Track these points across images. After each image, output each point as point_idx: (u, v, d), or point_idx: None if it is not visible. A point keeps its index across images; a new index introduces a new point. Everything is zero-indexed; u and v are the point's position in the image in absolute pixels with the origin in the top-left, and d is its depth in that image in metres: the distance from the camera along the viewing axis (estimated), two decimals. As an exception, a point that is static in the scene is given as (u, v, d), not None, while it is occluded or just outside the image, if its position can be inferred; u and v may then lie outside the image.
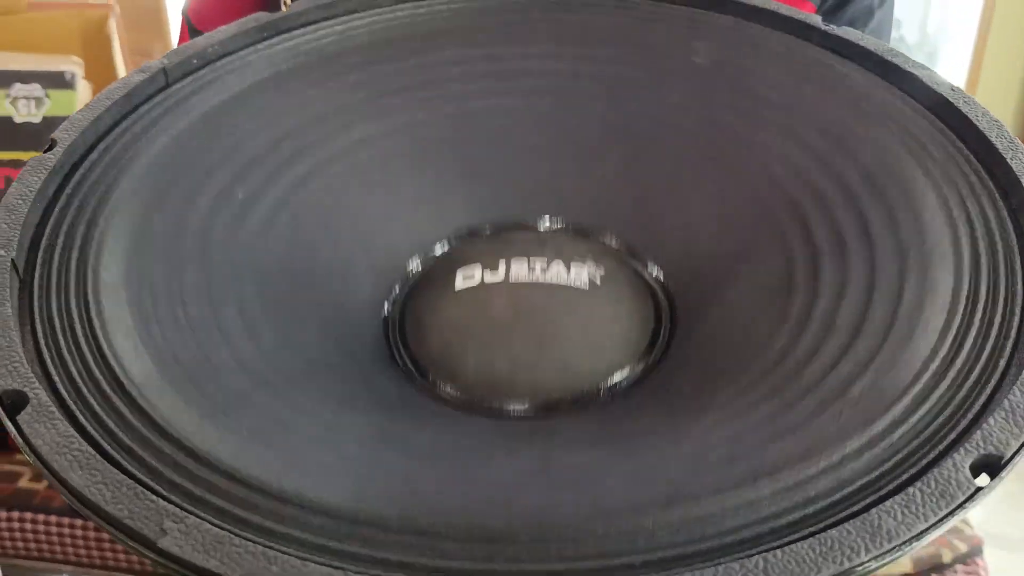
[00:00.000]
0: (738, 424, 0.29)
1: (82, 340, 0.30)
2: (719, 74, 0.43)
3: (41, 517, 0.83)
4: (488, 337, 0.37)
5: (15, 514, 0.83)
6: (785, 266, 0.36)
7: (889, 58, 0.41)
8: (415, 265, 0.41)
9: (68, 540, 0.83)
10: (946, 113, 0.38)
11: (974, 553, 1.09)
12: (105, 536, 0.77)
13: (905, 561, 1.16)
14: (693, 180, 0.41)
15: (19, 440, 0.27)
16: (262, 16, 0.46)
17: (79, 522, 0.83)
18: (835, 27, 0.43)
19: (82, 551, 0.84)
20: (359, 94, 0.44)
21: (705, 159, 0.41)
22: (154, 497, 0.25)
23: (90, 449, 0.27)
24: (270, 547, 0.24)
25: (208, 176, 0.39)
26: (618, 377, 0.36)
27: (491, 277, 0.39)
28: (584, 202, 0.42)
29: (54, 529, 0.83)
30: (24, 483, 0.87)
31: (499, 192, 0.43)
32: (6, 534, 0.84)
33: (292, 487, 0.26)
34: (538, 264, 0.39)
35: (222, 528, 0.25)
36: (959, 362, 0.29)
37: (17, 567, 0.85)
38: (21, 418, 0.27)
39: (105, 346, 0.30)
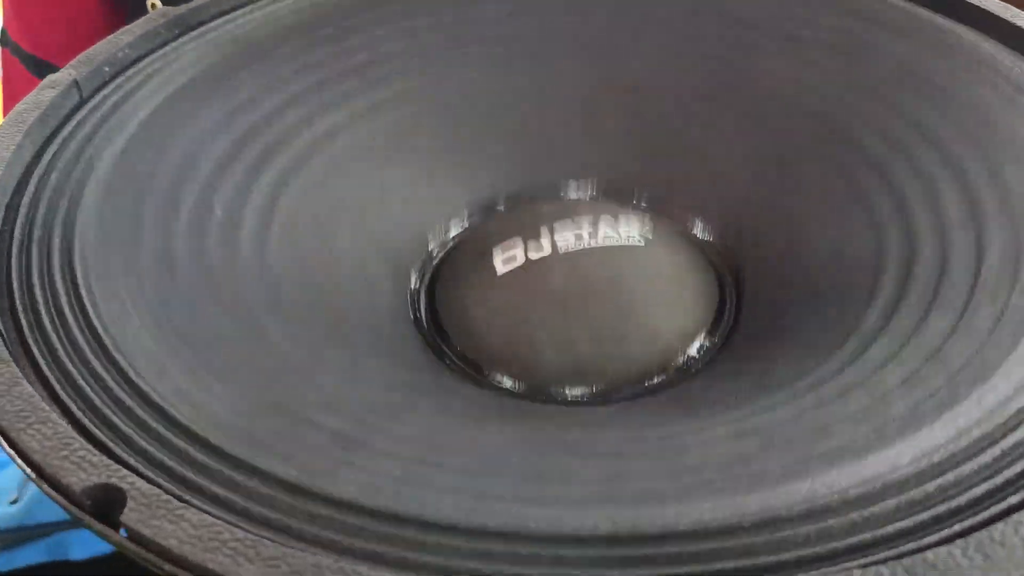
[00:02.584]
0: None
1: None
2: (701, 5, 0.40)
3: None
4: (555, 320, 0.32)
5: None
6: (851, 207, 0.33)
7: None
8: (434, 252, 0.36)
9: None
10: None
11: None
12: None
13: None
14: (708, 126, 0.38)
15: None
16: (168, 10, 0.38)
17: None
18: None
19: None
20: (310, 80, 0.37)
21: (714, 99, 0.38)
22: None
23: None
24: None
25: (172, 199, 0.31)
26: (697, 345, 0.32)
27: (536, 253, 0.34)
28: (604, 164, 0.38)
29: None
30: None
31: (502, 164, 0.38)
32: None
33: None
34: (585, 228, 0.34)
35: None
36: None
37: None
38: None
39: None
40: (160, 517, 0.20)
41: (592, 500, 0.22)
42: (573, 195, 0.37)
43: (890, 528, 0.21)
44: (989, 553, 0.19)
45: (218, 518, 0.20)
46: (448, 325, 0.34)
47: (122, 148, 0.32)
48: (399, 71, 0.39)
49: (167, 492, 0.21)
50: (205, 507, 0.21)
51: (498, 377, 0.32)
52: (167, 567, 0.20)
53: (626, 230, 0.34)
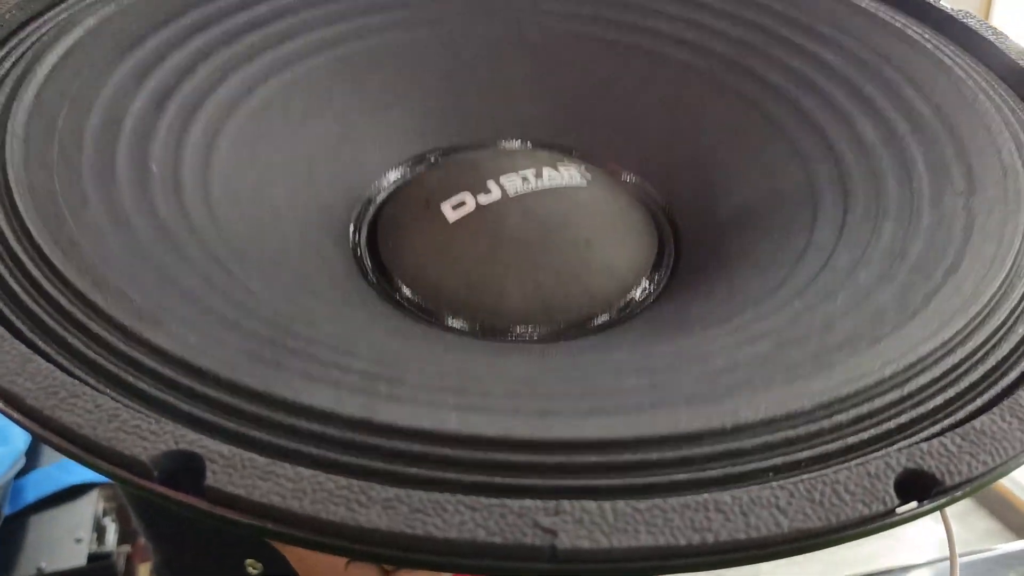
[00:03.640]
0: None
1: None
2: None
3: None
4: (514, 259, 0.32)
5: None
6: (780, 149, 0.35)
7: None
8: (374, 199, 0.35)
9: None
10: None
11: None
12: None
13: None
14: (618, 73, 0.39)
15: None
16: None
17: None
18: None
19: None
20: (215, 31, 0.35)
21: (617, 47, 0.39)
22: None
23: None
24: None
25: (103, 157, 0.28)
26: (649, 280, 0.34)
27: (486, 199, 0.33)
28: (523, 119, 0.38)
29: None
30: None
31: (426, 120, 0.37)
32: None
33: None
34: (530, 173, 0.34)
35: None
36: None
37: None
38: None
39: None
40: (250, 476, 0.19)
41: (642, 405, 0.23)
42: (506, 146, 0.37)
43: (928, 405, 0.23)
44: (1020, 416, 0.22)
45: (316, 469, 0.19)
46: (400, 275, 0.33)
47: (33, 103, 0.28)
48: (303, 27, 0.37)
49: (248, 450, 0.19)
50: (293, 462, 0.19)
51: (452, 321, 0.32)
52: (271, 527, 0.18)
53: (567, 172, 0.35)
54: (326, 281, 0.31)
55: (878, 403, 0.23)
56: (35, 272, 0.23)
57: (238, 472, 0.19)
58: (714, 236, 0.35)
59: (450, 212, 0.33)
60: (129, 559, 1.00)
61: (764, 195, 0.34)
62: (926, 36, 0.36)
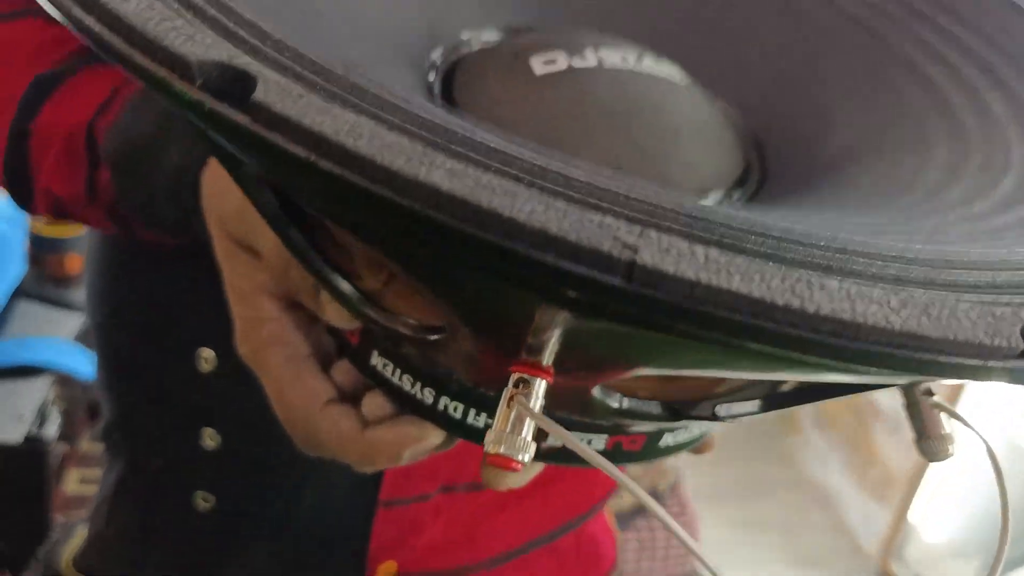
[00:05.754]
0: None
1: None
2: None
3: None
4: (596, 126, 0.30)
5: None
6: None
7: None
8: (459, 47, 0.32)
9: None
10: None
11: (679, 483, 1.18)
12: None
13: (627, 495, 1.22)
14: (749, 15, 0.37)
15: None
16: None
17: None
18: None
19: None
20: None
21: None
22: None
23: None
24: None
25: None
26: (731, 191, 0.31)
27: (580, 62, 0.31)
28: (638, 26, 0.36)
29: None
30: None
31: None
32: None
33: None
34: (631, 54, 0.32)
35: None
36: None
37: None
38: None
39: None
40: (304, 106, 0.16)
41: None
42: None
43: None
44: None
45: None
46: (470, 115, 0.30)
47: None
48: None
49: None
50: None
51: None
52: (318, 160, 0.16)
53: (668, 68, 0.33)
54: None
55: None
56: None
57: (291, 98, 0.16)
58: (806, 169, 0.33)
59: (539, 66, 0.31)
60: (63, 460, 0.96)
61: (868, 140, 0.32)
62: None
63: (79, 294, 1.25)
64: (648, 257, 0.15)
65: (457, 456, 0.50)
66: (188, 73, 0.16)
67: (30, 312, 1.14)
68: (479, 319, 0.23)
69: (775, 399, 0.29)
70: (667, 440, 0.32)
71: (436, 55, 0.33)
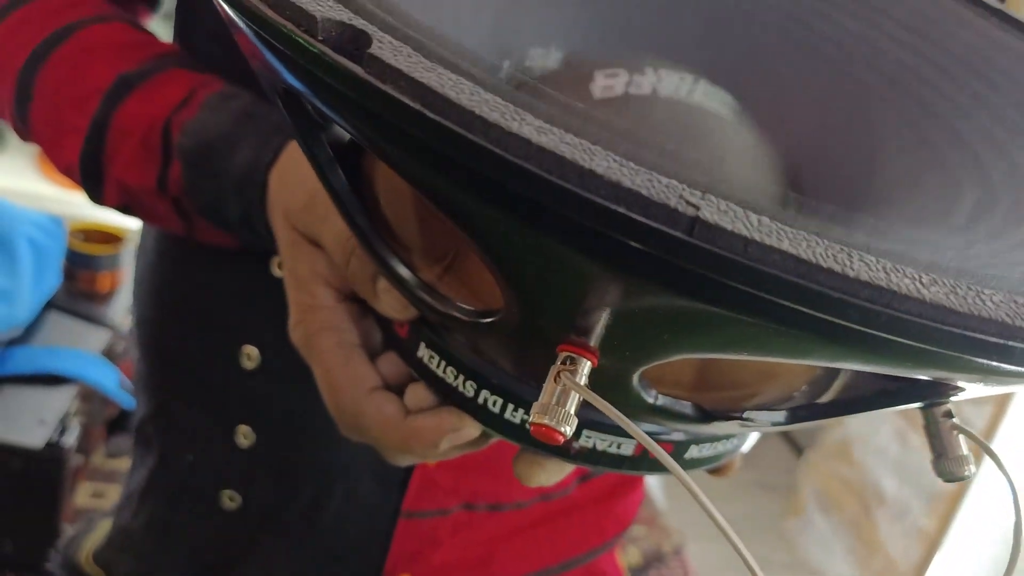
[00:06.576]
0: None
1: None
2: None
3: None
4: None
5: None
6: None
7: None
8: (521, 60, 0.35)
9: None
10: None
11: (683, 547, 1.18)
12: None
13: (636, 552, 1.22)
14: (790, 64, 0.40)
15: None
16: None
17: None
18: None
19: None
20: None
21: (799, 45, 0.40)
22: None
23: None
24: None
25: None
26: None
27: (636, 89, 0.33)
28: (684, 55, 0.38)
29: None
30: None
31: (591, 37, 0.38)
32: None
33: None
34: (688, 77, 0.34)
35: None
36: None
37: None
38: None
39: None
40: (415, 61, 0.18)
41: None
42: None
43: None
44: None
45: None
46: None
47: None
48: None
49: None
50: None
51: None
52: (416, 105, 0.18)
53: (721, 94, 0.35)
54: None
55: None
56: None
57: (403, 55, 0.18)
58: (841, 207, 0.35)
59: (598, 86, 0.33)
60: (76, 472, 0.98)
61: (902, 182, 0.34)
62: None
63: (108, 311, 1.28)
64: (709, 214, 0.17)
65: (479, 475, 0.51)
66: (312, 28, 0.19)
67: (60, 324, 1.17)
68: (535, 295, 0.25)
69: (800, 411, 0.31)
70: (692, 452, 0.34)
71: (505, 68, 0.35)
